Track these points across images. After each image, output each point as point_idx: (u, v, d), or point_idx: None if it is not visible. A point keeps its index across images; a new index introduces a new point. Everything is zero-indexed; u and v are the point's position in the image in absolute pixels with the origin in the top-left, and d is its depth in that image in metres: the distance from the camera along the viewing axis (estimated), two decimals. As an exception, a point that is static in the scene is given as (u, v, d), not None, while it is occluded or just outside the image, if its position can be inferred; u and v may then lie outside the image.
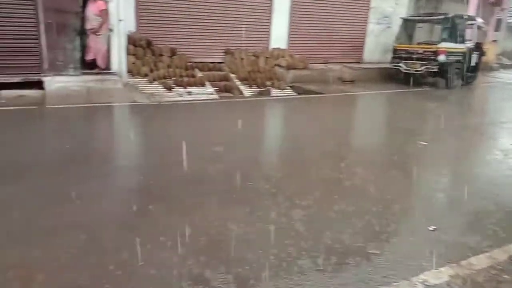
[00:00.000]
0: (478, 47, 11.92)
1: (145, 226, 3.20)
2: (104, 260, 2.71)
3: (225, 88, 9.33)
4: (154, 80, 8.81)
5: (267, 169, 4.79)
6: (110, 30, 8.50)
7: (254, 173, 4.46)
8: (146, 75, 8.92)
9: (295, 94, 9.73)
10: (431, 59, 10.71)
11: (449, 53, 10.79)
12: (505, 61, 17.91)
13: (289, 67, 10.76)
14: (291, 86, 10.21)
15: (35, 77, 7.81)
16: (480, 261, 2.91)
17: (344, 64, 12.08)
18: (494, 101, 11.31)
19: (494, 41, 17.98)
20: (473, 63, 11.66)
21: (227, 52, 10.71)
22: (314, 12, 11.89)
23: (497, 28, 19.03)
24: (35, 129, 5.86)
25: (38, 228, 3.07)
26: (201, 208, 3.54)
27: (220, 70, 10.19)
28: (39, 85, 7.71)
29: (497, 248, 3.10)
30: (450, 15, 11.14)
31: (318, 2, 11.87)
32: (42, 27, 7.76)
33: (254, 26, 11.02)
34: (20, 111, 6.65)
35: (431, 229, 3.36)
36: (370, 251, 3.00)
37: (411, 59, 11.02)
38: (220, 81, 9.63)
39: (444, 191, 4.41)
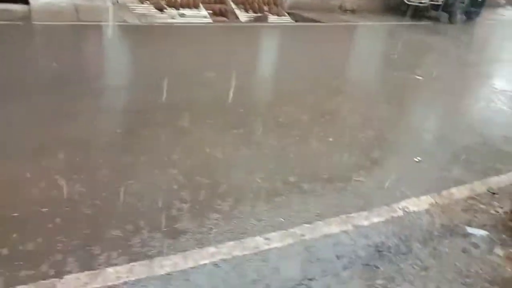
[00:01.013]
0: (486, -19, 11.38)
1: (136, 147, 3.21)
2: (92, 177, 2.75)
3: (220, 12, 8.93)
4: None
5: (259, 97, 4.75)
6: None
7: (245, 100, 4.43)
8: (137, -6, 8.45)
9: (293, 21, 9.37)
10: (437, -9, 10.24)
11: (455, -14, 10.31)
12: (513, -3, 17.18)
13: (288, -8, 10.23)
14: (289, 13, 9.80)
15: (19, -10, 7.36)
16: (460, 192, 3.02)
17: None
18: (495, 39, 11.04)
19: (505, -25, 17.11)
20: (479, -2, 11.20)
21: (223, -28, 10.09)
22: None
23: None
24: (22, 46, 5.64)
25: (29, 145, 3.07)
26: (192, 132, 3.55)
27: (215, -8, 9.68)
28: (24, 0, 7.30)
29: (478, 181, 3.21)
30: None
31: None
32: None
33: None
34: (5, 27, 6.34)
35: (416, 160, 3.44)
36: (356, 179, 3.09)
37: (416, -10, 10.51)
38: (215, 3, 9.19)
39: (434, 125, 4.46)
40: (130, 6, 8.17)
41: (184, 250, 2.19)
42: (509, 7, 15.82)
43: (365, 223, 2.57)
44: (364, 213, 2.65)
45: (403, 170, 3.31)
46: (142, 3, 8.31)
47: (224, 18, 8.83)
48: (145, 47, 6.31)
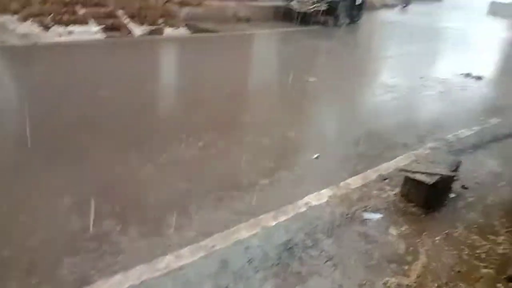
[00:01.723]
0: (363, -14, 12.51)
1: (28, 179, 2.94)
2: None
3: (113, 26, 8.58)
4: (28, 17, 7.72)
5: (159, 111, 4.66)
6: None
7: (144, 116, 4.31)
8: (16, 13, 7.77)
9: (190, 32, 9.36)
10: (321, -2, 11.02)
11: (336, -8, 11.18)
12: (387, 0, 19.19)
13: (182, 4, 10.23)
14: (186, 24, 9.78)
15: None
16: (355, 181, 3.27)
17: (240, 1, 11.83)
18: (377, 38, 12.20)
19: (377, -19, 19.05)
20: (358, 2, 12.26)
21: (112, -14, 9.75)
22: None
23: (380, -31, 20.11)
24: None
25: None
26: (91, 155, 3.35)
27: (105, 6, 9.30)
28: None
29: (370, 169, 3.51)
30: (336, -46, 11.40)
31: None
32: None
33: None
34: None
35: (314, 157, 3.65)
36: (261, 182, 3.18)
37: (303, -3, 11.21)
38: (106, 18, 8.81)
39: (329, 122, 4.78)
40: (10, 25, 7.48)
41: (89, 283, 2.06)
42: (385, 9, 17.63)
43: (273, 223, 2.66)
44: (271, 214, 2.74)
45: (304, 167, 3.49)
46: (24, 21, 7.65)
47: (117, 33, 8.50)
48: (29, 69, 5.81)
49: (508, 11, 20.75)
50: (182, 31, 9.31)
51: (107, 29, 8.37)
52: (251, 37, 9.74)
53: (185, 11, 10.17)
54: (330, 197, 3.01)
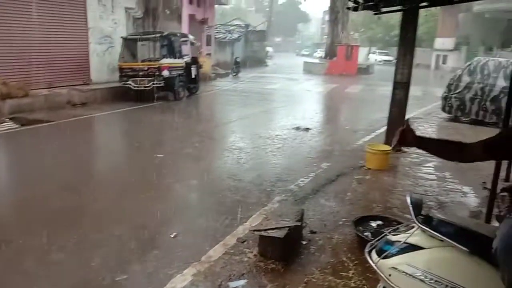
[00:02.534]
0: (195, 61, 13.40)
1: None
2: None
3: None
4: None
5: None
6: None
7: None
8: None
9: (17, 126, 8.50)
10: (157, 75, 11.35)
11: (171, 68, 11.70)
12: (220, 70, 20.93)
13: (4, 97, 9.32)
14: (11, 118, 8.88)
15: None
16: (216, 252, 3.28)
17: (72, 86, 11.39)
18: (217, 106, 13.04)
19: (208, 54, 20.76)
20: (193, 75, 13.03)
21: None
22: (24, 34, 10.65)
23: (208, 43, 22.02)
24: None
25: None
26: None
27: None
28: None
29: (229, 235, 3.58)
30: (165, 33, 12.09)
31: (25, 23, 10.66)
32: None
33: None
34: None
35: (172, 236, 3.57)
36: (118, 279, 2.94)
37: (138, 76, 11.39)
38: None
39: (182, 195, 4.79)
40: None
41: None
42: (219, 78, 19.12)
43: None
44: (133, 314, 2.54)
45: (164, 250, 3.37)
46: None
47: None
48: None
49: (318, 68, 24.92)
50: (8, 125, 8.42)
51: None
52: (89, 121, 9.36)
53: (9, 103, 9.29)
54: (194, 275, 2.94)
